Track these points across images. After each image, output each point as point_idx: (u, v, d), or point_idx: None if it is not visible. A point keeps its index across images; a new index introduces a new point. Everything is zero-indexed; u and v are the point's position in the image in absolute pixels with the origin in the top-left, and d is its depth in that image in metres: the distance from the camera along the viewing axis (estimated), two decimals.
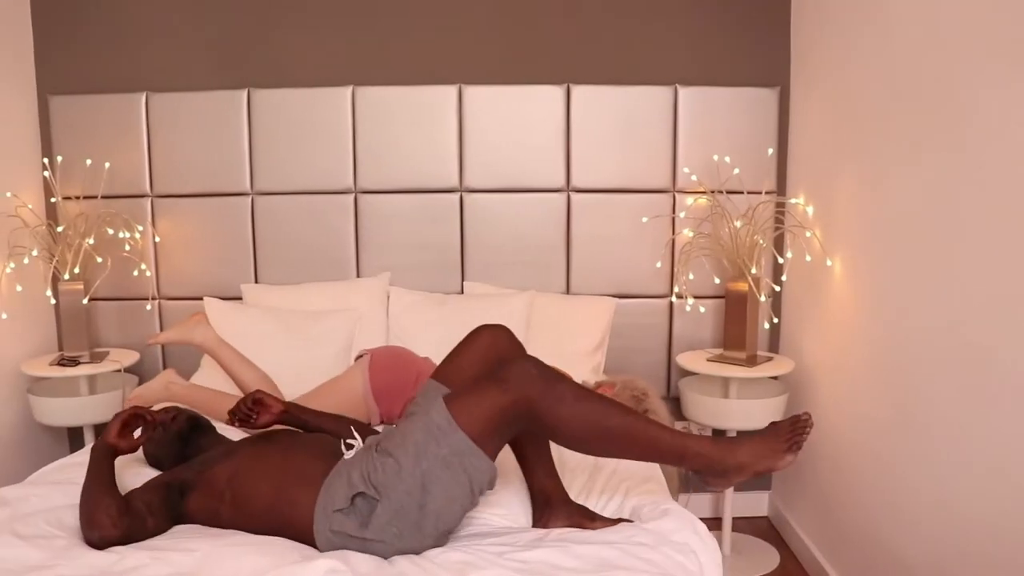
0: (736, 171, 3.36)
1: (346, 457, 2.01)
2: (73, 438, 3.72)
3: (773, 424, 1.93)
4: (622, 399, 2.76)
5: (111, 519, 1.91)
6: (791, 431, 1.88)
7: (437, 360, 2.65)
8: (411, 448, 1.86)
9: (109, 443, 2.04)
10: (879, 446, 2.70)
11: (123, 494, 1.99)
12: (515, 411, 1.84)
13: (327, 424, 2.34)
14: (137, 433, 2.10)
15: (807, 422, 1.89)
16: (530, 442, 2.14)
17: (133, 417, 2.09)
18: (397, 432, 1.95)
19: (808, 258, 3.17)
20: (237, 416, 2.31)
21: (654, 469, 2.45)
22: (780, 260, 3.31)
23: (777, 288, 3.33)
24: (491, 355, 2.11)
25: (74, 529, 1.99)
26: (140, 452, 2.42)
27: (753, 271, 3.21)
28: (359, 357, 2.95)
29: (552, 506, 2.11)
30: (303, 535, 1.94)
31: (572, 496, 2.18)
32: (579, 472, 2.42)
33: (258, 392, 2.33)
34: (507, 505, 2.19)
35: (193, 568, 1.78)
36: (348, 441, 2.06)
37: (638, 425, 1.90)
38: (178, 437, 2.35)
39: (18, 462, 3.39)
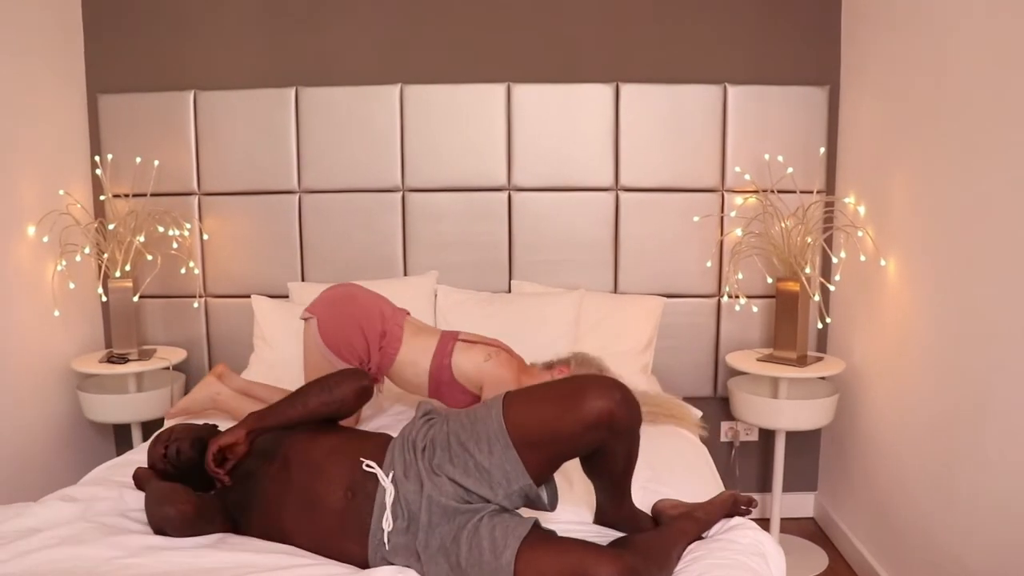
0: (790, 170, 3.34)
1: (384, 486, 1.88)
2: (120, 435, 3.74)
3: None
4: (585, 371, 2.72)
5: (186, 493, 1.92)
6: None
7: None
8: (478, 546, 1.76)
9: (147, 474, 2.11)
10: (935, 447, 2.68)
11: None
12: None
13: (296, 412, 2.06)
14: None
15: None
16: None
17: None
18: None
19: (863, 258, 3.14)
20: (217, 477, 2.05)
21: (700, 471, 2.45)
22: (835, 260, 3.28)
23: (831, 288, 3.30)
24: (590, 439, 1.80)
25: (147, 527, 1.99)
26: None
27: (807, 271, 3.19)
28: (306, 318, 2.72)
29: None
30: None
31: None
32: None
33: (212, 443, 2.02)
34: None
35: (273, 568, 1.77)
36: (367, 465, 1.91)
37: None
38: (192, 465, 2.11)
39: (67, 458, 3.41)
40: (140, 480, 2.19)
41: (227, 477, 2.00)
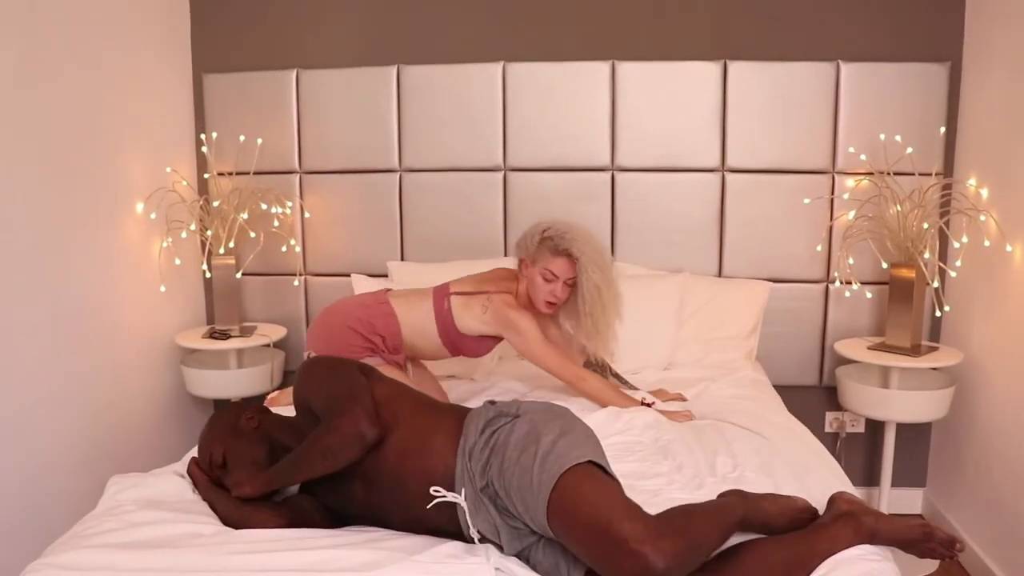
0: (909, 150, 3.19)
1: (461, 504, 1.86)
2: None
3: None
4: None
5: (271, 517, 1.92)
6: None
7: None
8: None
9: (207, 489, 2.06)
10: None
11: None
12: None
13: (302, 477, 2.00)
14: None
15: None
16: None
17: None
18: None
19: (987, 243, 2.99)
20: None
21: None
22: (956, 245, 3.13)
23: (952, 274, 3.15)
24: None
25: None
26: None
27: (927, 256, 3.05)
28: (307, 355, 2.80)
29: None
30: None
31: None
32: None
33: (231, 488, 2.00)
34: None
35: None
36: (434, 490, 1.87)
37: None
38: (262, 439, 2.10)
39: (171, 431, 3.47)
40: (201, 488, 2.09)
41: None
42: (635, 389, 2.93)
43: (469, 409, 2.03)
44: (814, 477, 2.15)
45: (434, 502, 1.84)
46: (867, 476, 3.62)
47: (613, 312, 2.77)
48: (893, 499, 3.46)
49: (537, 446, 1.78)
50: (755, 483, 2.09)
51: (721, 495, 1.93)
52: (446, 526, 1.87)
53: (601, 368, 2.98)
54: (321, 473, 1.92)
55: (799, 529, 1.84)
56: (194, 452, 2.19)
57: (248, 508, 1.96)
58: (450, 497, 1.83)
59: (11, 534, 2.55)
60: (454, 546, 1.81)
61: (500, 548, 1.83)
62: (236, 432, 2.07)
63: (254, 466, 2.02)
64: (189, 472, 2.13)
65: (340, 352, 2.66)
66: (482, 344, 2.83)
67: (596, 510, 1.64)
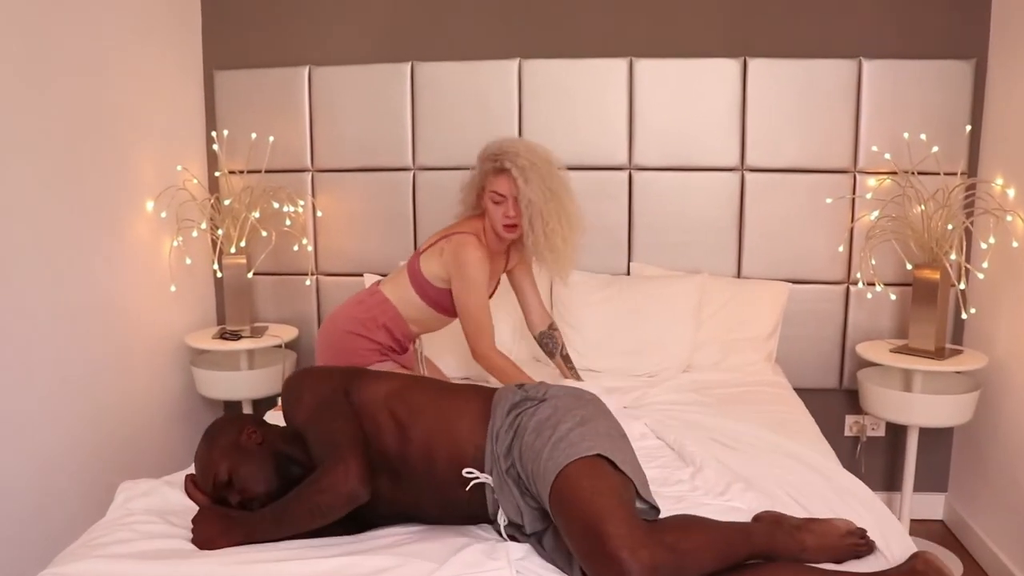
0: (935, 149, 3.13)
1: (490, 484, 1.87)
2: (231, 411, 3.74)
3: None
4: None
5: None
6: None
7: None
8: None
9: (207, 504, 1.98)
10: None
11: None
12: None
13: (288, 535, 1.87)
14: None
15: None
16: None
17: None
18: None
19: (1015, 244, 2.92)
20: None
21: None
22: (983, 245, 3.06)
23: (980, 276, 3.08)
24: None
25: None
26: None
27: (952, 257, 2.98)
28: None
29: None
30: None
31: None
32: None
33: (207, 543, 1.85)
34: None
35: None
36: (467, 472, 1.86)
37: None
38: (268, 454, 1.99)
39: (181, 433, 3.43)
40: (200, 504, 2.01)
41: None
42: (579, 381, 2.87)
43: (494, 389, 2.01)
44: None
45: (470, 484, 1.84)
46: (888, 481, 3.55)
47: (561, 225, 2.67)
48: (914, 504, 3.39)
49: (553, 432, 1.78)
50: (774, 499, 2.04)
51: (755, 517, 1.87)
52: (478, 511, 1.88)
53: (553, 343, 2.94)
54: (306, 530, 1.83)
55: (841, 558, 1.77)
56: (191, 470, 2.09)
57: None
58: (481, 477, 1.84)
59: (18, 536, 2.51)
60: (474, 551, 1.77)
61: (524, 533, 1.83)
62: (239, 449, 1.95)
63: (265, 484, 1.92)
64: (188, 493, 2.03)
65: (352, 361, 2.60)
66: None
67: (588, 506, 1.62)
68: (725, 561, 1.66)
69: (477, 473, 1.84)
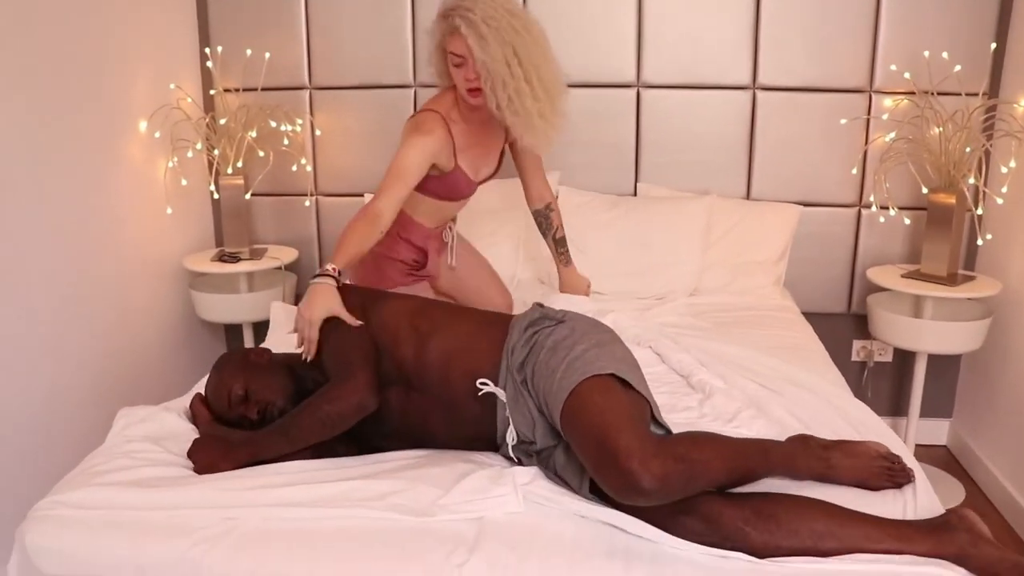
0: (958, 68, 3.01)
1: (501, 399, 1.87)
2: (231, 334, 3.72)
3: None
4: None
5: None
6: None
7: None
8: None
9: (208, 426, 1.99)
10: None
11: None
12: None
13: (295, 448, 1.89)
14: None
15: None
16: None
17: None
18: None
19: None
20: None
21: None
22: (1003, 169, 2.97)
23: (999, 200, 2.99)
24: None
25: None
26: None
27: (971, 181, 2.90)
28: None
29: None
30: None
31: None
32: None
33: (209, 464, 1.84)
34: None
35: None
36: (481, 382, 1.87)
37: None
38: (279, 366, 2.03)
39: (181, 357, 3.40)
40: (202, 425, 2.01)
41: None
42: (569, 266, 2.86)
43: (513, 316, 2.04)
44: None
45: (482, 392, 1.85)
46: (894, 406, 3.54)
47: (531, 87, 2.35)
48: (920, 430, 3.38)
49: (569, 352, 1.79)
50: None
51: (789, 439, 1.85)
52: (484, 432, 1.89)
53: (547, 224, 2.82)
54: (314, 443, 1.86)
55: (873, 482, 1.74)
56: (191, 395, 2.12)
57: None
58: (494, 390, 1.84)
59: (19, 464, 2.49)
60: (479, 477, 1.75)
61: (531, 453, 1.85)
62: (251, 365, 1.99)
63: (281, 392, 1.96)
64: (192, 408, 2.05)
65: (387, 288, 2.50)
66: (445, 179, 2.53)
67: (600, 420, 1.64)
68: (737, 473, 1.67)
69: (491, 385, 1.85)
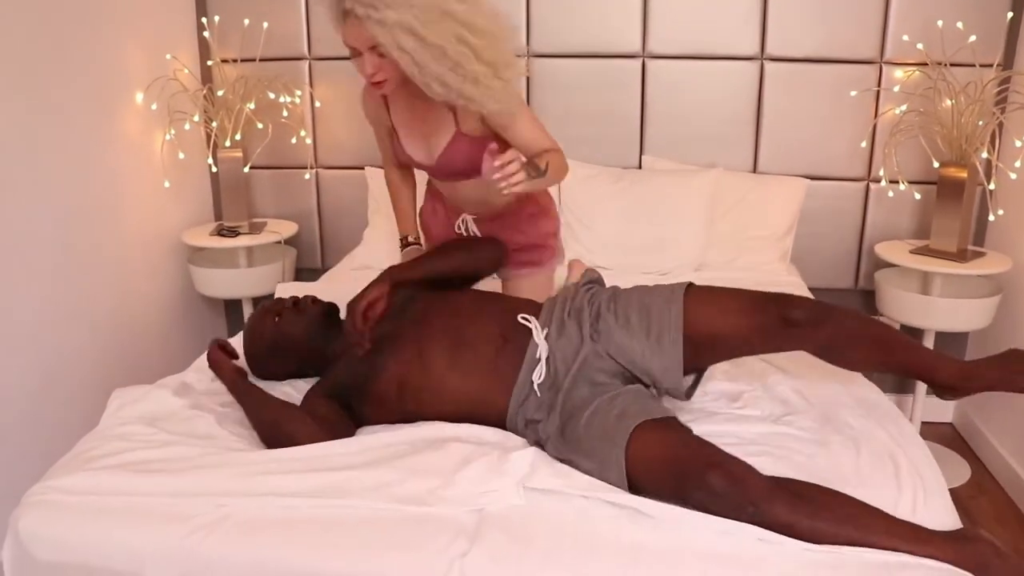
0: (972, 38, 2.93)
1: (538, 341, 1.90)
2: (231, 310, 3.68)
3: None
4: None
5: (310, 434, 1.81)
6: None
7: None
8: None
9: (225, 364, 2.02)
10: None
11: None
12: None
13: (439, 265, 2.12)
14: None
15: None
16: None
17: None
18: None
19: None
20: (359, 342, 1.93)
21: None
22: (1018, 143, 2.91)
23: (1012, 176, 2.93)
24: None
25: None
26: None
27: (984, 155, 2.84)
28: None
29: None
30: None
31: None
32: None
33: (359, 299, 1.91)
34: None
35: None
36: (523, 317, 1.94)
37: (897, 336, 1.93)
38: (317, 320, 2.10)
39: (180, 332, 3.37)
40: (224, 373, 2.03)
41: (369, 342, 1.92)
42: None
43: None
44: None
45: (525, 320, 1.93)
46: (900, 384, 3.50)
47: (461, 56, 1.88)
48: (925, 407, 3.34)
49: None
50: None
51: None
52: (504, 371, 1.87)
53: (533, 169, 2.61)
54: (457, 268, 2.11)
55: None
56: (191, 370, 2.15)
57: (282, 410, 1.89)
58: (534, 326, 1.90)
59: (16, 446, 2.47)
60: (479, 467, 1.71)
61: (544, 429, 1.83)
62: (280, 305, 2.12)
63: (318, 328, 2.08)
64: (211, 358, 2.05)
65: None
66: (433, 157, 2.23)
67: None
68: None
69: (532, 320, 1.92)
